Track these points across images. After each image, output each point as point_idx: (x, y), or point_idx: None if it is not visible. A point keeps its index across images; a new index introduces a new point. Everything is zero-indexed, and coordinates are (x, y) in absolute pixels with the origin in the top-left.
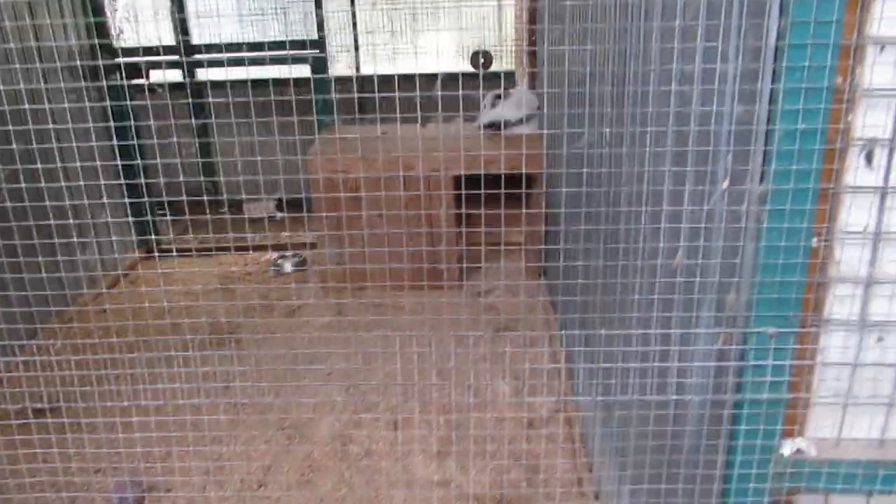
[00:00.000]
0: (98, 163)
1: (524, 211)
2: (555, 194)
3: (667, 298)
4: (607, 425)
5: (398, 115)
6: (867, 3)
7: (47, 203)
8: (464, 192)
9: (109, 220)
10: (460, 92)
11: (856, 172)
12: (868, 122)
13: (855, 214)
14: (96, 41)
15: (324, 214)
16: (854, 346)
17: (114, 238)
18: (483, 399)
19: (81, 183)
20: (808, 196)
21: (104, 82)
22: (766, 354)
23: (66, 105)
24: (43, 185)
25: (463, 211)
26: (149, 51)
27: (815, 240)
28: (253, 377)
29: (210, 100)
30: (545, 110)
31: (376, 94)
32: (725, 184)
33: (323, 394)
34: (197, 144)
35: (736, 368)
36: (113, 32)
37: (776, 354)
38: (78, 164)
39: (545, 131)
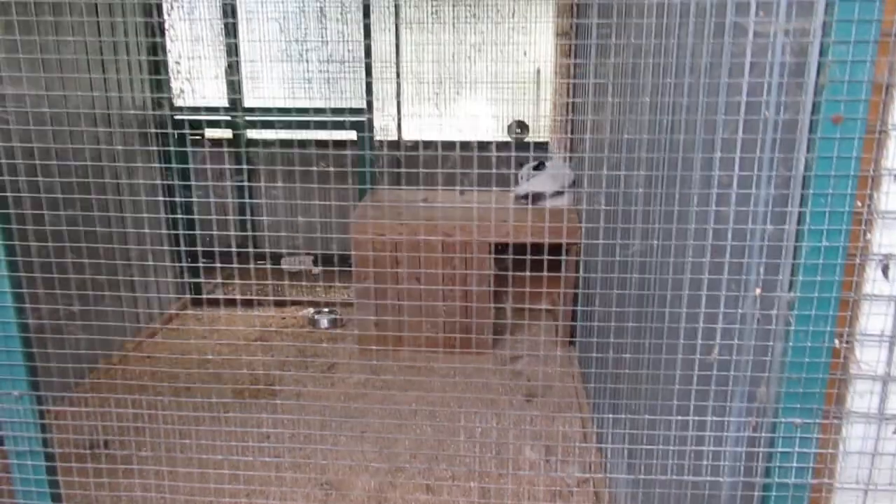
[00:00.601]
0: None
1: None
2: (591, 268)
3: (702, 389)
4: (636, 501)
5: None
6: (883, 141)
7: (114, 245)
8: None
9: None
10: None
11: (874, 283)
12: (884, 240)
13: (873, 320)
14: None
15: (366, 283)
16: (873, 436)
17: (162, 283)
18: (512, 467)
19: (146, 231)
20: (831, 303)
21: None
22: (793, 442)
23: (139, 165)
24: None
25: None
26: (204, 110)
27: (837, 341)
28: (291, 432)
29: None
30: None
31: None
32: (758, 291)
33: (357, 452)
34: (246, 198)
35: (765, 454)
36: (174, 91)
37: (802, 443)
38: (145, 214)
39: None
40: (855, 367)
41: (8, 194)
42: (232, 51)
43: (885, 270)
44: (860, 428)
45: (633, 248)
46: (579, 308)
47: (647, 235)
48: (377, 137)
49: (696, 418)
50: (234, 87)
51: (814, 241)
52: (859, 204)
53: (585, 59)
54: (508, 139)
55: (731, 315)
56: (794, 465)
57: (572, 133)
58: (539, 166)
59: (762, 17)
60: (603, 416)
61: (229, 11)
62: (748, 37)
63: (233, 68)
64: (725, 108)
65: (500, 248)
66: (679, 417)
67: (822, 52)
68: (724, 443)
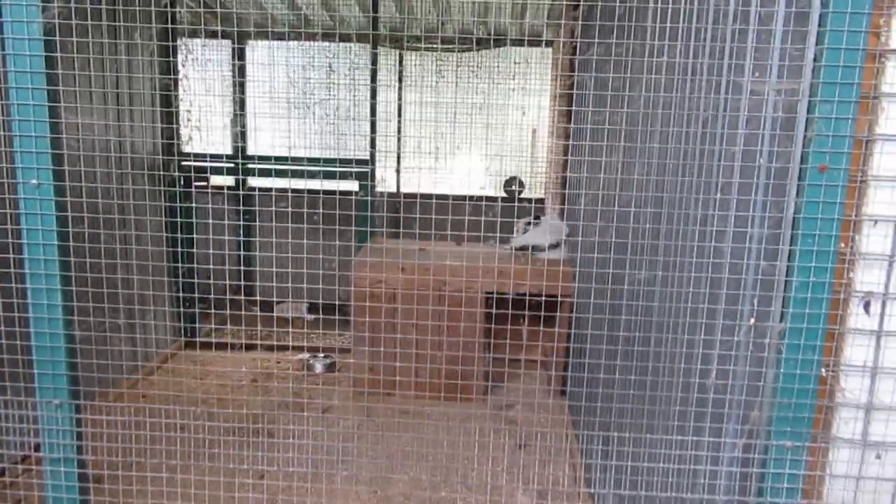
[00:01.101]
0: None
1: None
2: (584, 316)
3: (700, 412)
4: None
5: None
6: (863, 190)
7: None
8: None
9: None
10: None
11: (856, 318)
12: (865, 279)
13: (856, 351)
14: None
15: (364, 319)
16: (857, 461)
17: (158, 326)
18: None
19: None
20: (819, 334)
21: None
22: (784, 464)
23: (146, 211)
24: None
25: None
26: (210, 157)
27: (824, 370)
28: (286, 472)
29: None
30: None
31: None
32: (752, 321)
33: (352, 493)
34: (241, 246)
35: (758, 475)
36: (183, 139)
37: (792, 465)
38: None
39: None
40: (840, 395)
41: (68, 214)
42: (238, 103)
43: (866, 307)
44: (845, 452)
45: (638, 276)
46: (573, 344)
47: (652, 267)
48: (378, 189)
49: (695, 438)
50: (240, 137)
51: (802, 277)
52: (843, 245)
53: (581, 122)
54: (505, 194)
55: (726, 343)
56: (785, 485)
57: (567, 188)
58: (535, 220)
59: (757, 77)
60: (594, 434)
61: (236, 70)
62: (744, 94)
63: (237, 119)
64: (723, 156)
65: (496, 298)
66: (678, 437)
67: (809, 110)
68: (720, 463)
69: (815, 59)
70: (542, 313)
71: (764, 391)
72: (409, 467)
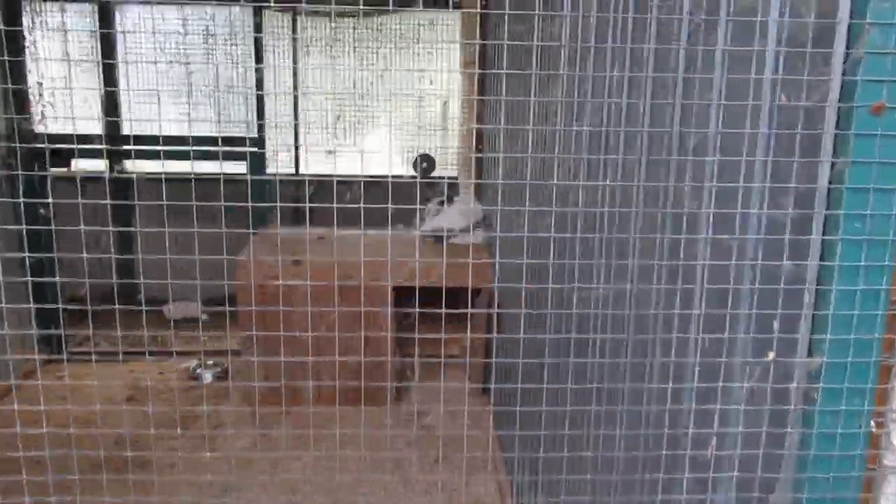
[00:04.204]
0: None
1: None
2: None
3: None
4: None
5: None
6: None
7: None
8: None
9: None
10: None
11: None
12: None
13: None
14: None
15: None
16: None
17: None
18: None
19: None
20: (870, 371)
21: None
22: None
23: None
24: None
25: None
26: (72, 138)
27: (873, 424)
28: None
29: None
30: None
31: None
32: (770, 355)
33: None
34: (112, 240)
35: None
36: (35, 117)
37: None
38: None
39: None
40: (891, 458)
41: None
42: (106, 73)
43: None
44: None
45: (594, 292)
46: (495, 341)
47: (610, 273)
48: (269, 170)
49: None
50: (109, 112)
51: (845, 284)
52: None
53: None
54: (414, 174)
55: (725, 388)
56: None
57: (482, 162)
58: (447, 201)
59: None
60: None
61: (105, 32)
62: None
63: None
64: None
65: (406, 292)
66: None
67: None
68: None
69: None
70: (444, 306)
71: (786, 463)
72: (309, 496)
